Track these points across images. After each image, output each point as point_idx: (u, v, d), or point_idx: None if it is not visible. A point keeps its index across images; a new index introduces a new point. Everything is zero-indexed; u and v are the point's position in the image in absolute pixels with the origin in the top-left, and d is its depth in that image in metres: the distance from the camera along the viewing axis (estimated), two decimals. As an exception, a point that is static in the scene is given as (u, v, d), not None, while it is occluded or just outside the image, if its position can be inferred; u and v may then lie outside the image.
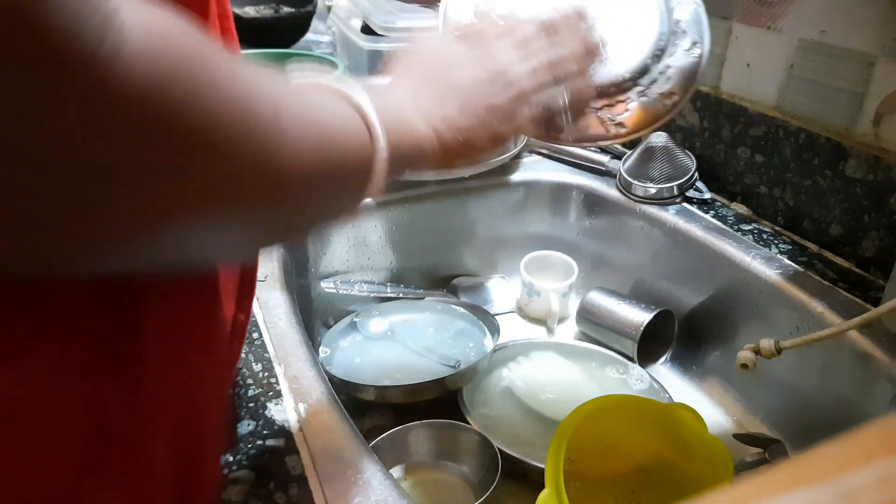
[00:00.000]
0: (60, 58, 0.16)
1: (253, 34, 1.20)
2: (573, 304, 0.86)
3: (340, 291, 0.81)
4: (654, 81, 0.48)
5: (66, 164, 0.18)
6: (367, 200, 0.33)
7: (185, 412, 0.31)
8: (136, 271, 0.25)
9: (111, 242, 0.21)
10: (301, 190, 0.27)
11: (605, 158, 0.91)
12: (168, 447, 0.29)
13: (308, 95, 0.29)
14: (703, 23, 0.50)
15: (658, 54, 0.48)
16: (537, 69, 0.42)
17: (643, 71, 0.48)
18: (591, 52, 0.45)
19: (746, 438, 0.66)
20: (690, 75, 0.48)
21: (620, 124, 0.48)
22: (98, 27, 0.16)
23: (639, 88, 0.48)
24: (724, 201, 0.84)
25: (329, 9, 1.37)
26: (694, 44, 0.49)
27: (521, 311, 0.89)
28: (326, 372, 0.66)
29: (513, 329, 0.86)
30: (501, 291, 0.92)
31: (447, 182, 0.86)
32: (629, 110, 0.48)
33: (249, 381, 0.50)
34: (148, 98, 0.18)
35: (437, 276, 0.92)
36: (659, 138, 0.84)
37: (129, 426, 0.27)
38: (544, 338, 0.84)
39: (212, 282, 0.32)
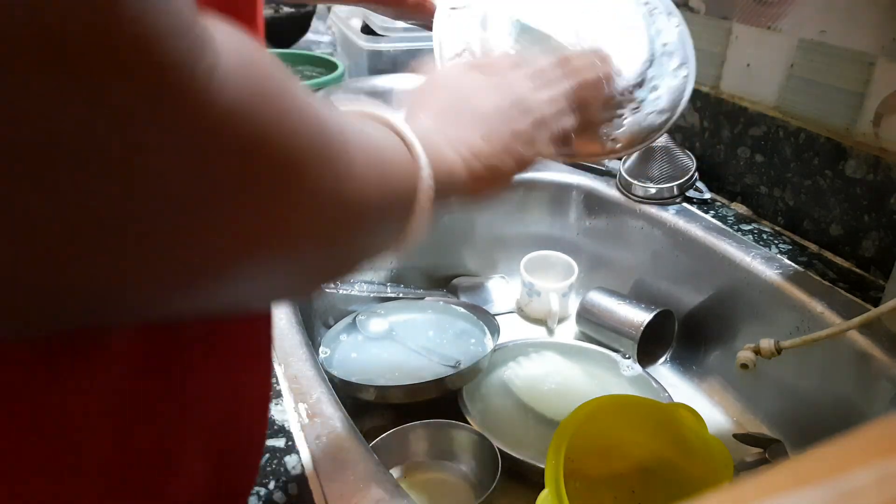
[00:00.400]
0: (160, 74, 0.15)
1: (253, 34, 1.20)
2: (573, 304, 0.86)
3: (340, 291, 0.81)
4: (643, 101, 0.49)
5: (155, 189, 0.16)
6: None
7: (226, 429, 0.31)
8: (191, 314, 0.23)
9: (183, 278, 0.20)
10: (364, 221, 0.26)
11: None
12: (206, 466, 0.30)
13: (360, 122, 0.28)
14: (688, 44, 0.51)
15: (647, 75, 0.49)
16: (554, 97, 0.43)
17: (635, 89, 0.49)
18: (605, 79, 0.46)
19: (746, 438, 0.66)
20: (679, 94, 0.50)
21: (615, 140, 0.49)
22: (194, 45, 0.16)
23: (632, 106, 0.49)
24: (724, 201, 0.84)
25: (329, 9, 1.37)
26: (681, 65, 0.50)
27: (521, 311, 0.89)
28: (326, 372, 0.66)
29: (513, 329, 0.86)
30: (501, 291, 0.92)
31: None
32: (624, 126, 0.49)
33: (249, 381, 0.50)
34: (238, 120, 0.18)
35: (437, 276, 0.92)
36: (659, 138, 0.84)
37: (169, 445, 0.27)
38: (544, 338, 0.84)
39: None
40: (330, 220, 0.23)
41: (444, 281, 0.92)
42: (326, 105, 0.24)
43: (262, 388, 0.35)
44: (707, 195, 0.83)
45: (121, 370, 0.24)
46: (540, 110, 0.42)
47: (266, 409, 0.37)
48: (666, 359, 0.80)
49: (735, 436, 0.66)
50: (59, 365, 0.22)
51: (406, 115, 0.39)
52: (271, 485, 0.41)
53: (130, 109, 0.15)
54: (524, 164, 0.41)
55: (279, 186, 0.20)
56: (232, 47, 0.18)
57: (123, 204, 0.16)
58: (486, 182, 0.39)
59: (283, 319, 0.58)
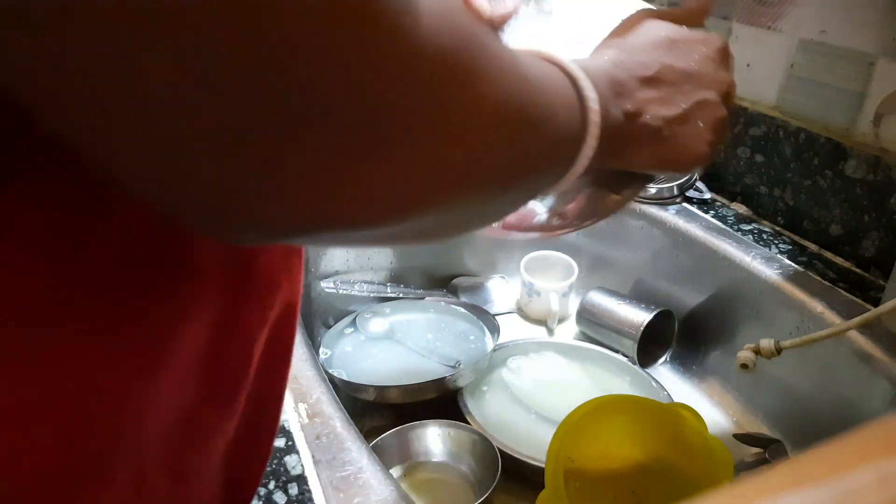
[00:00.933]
0: (374, 24, 0.17)
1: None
2: (573, 304, 0.86)
3: (340, 291, 0.81)
4: None
5: (375, 116, 0.18)
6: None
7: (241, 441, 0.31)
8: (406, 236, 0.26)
9: (398, 203, 0.21)
10: (542, 153, 0.28)
11: (605, 158, 0.91)
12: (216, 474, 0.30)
13: (536, 63, 0.29)
14: None
15: None
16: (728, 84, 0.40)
17: None
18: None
19: (746, 438, 0.66)
20: None
21: None
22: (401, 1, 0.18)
23: None
24: (724, 201, 0.84)
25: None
26: None
27: (521, 311, 0.89)
28: (326, 372, 0.66)
29: (513, 329, 0.86)
30: (501, 291, 0.92)
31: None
32: None
33: (249, 381, 0.50)
34: (440, 60, 0.19)
35: (437, 276, 0.92)
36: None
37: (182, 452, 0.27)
38: (544, 338, 0.84)
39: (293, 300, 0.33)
40: (517, 141, 0.25)
41: (444, 281, 0.92)
42: (508, 49, 0.25)
43: (278, 393, 0.35)
44: (707, 195, 0.83)
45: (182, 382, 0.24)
46: (725, 83, 0.39)
47: (277, 420, 0.37)
48: (666, 359, 0.80)
49: (735, 436, 0.66)
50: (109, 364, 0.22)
51: (592, 55, 0.38)
52: (271, 485, 0.41)
53: (355, 52, 0.17)
54: (693, 143, 0.38)
55: (484, 123, 0.22)
56: (433, 2, 0.19)
57: (351, 126, 0.18)
58: (647, 146, 0.36)
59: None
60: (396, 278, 0.89)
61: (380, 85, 0.18)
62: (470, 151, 0.22)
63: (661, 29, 0.40)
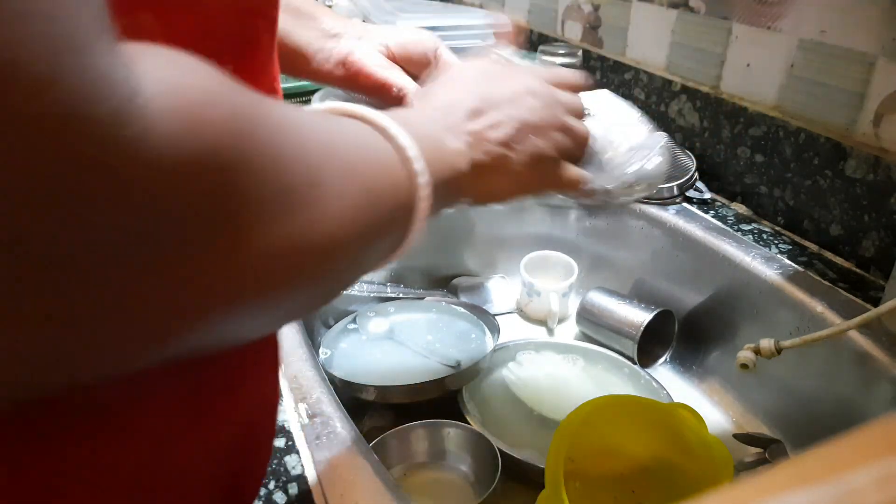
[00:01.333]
0: (79, 151, 0.14)
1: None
2: (573, 304, 0.86)
3: (340, 291, 0.81)
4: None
5: (96, 259, 0.15)
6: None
7: (238, 445, 0.31)
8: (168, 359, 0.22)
9: (145, 339, 0.18)
10: (348, 254, 0.25)
11: (605, 158, 0.91)
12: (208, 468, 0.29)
13: (341, 130, 0.26)
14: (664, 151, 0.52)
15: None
16: (572, 103, 0.42)
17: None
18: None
19: (746, 438, 0.66)
20: (656, 181, 0.50)
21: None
22: (118, 104, 0.14)
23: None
24: (724, 201, 0.84)
25: (329, 9, 1.37)
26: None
27: (521, 311, 0.89)
28: (326, 372, 0.66)
29: (513, 329, 0.86)
30: (501, 291, 0.92)
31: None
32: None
33: (249, 381, 0.50)
34: (184, 179, 0.16)
35: (437, 276, 0.92)
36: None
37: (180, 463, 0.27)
38: (544, 338, 0.84)
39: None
40: (309, 262, 0.22)
41: (444, 281, 0.92)
42: (296, 119, 0.22)
43: (272, 399, 0.35)
44: (707, 195, 0.83)
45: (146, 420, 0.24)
46: (558, 107, 0.40)
47: (274, 420, 0.37)
48: (666, 359, 0.80)
49: (735, 436, 0.66)
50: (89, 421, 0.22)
51: (409, 107, 0.38)
52: (271, 485, 0.41)
53: (56, 191, 0.14)
54: (538, 162, 0.38)
55: (243, 234, 0.18)
56: (168, 89, 0.16)
57: (82, 271, 0.15)
58: (495, 175, 0.36)
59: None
60: (396, 278, 0.89)
61: (111, 212, 0.15)
62: (247, 262, 0.19)
63: (472, 66, 0.42)
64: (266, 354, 0.33)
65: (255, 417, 0.33)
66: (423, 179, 0.28)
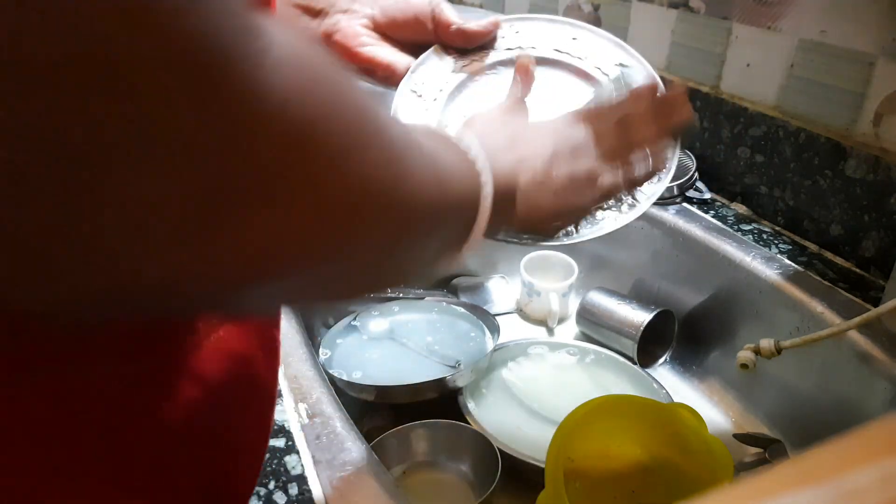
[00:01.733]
0: (203, 63, 0.15)
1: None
2: (573, 304, 0.86)
3: (340, 291, 0.81)
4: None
5: (198, 177, 0.16)
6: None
7: (218, 425, 0.31)
8: (243, 310, 0.23)
9: (227, 276, 0.19)
10: (420, 226, 0.26)
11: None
12: (193, 457, 0.29)
13: (418, 132, 0.28)
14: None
15: None
16: (613, 162, 0.42)
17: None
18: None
19: (746, 438, 0.66)
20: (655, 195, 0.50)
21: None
22: (243, 32, 0.16)
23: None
24: (724, 201, 0.84)
25: (329, 9, 1.37)
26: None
27: (521, 311, 0.89)
28: (326, 372, 0.66)
29: (513, 329, 0.86)
30: (501, 291, 0.92)
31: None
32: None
33: (249, 381, 0.50)
34: (289, 113, 0.17)
35: (436, 277, 0.92)
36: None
37: (157, 434, 0.27)
38: (544, 338, 0.84)
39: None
40: (383, 220, 0.22)
41: (444, 281, 0.92)
42: (382, 108, 0.23)
43: (269, 392, 0.35)
44: (707, 195, 0.83)
45: (112, 375, 0.24)
46: (596, 165, 0.41)
47: (270, 416, 0.36)
48: (666, 359, 0.80)
49: (735, 436, 0.66)
50: (71, 362, 0.22)
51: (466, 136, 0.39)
52: (271, 485, 0.41)
53: (177, 101, 0.15)
54: (575, 208, 0.40)
55: (331, 179, 0.19)
56: (284, 38, 0.17)
57: (172, 192, 0.16)
58: (539, 212, 0.38)
59: (282, 319, 0.58)
60: (396, 278, 0.89)
61: (218, 150, 0.16)
62: (335, 224, 0.20)
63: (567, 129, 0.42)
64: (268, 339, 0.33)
65: (245, 405, 0.33)
66: (488, 186, 0.31)
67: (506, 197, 0.35)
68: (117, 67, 0.14)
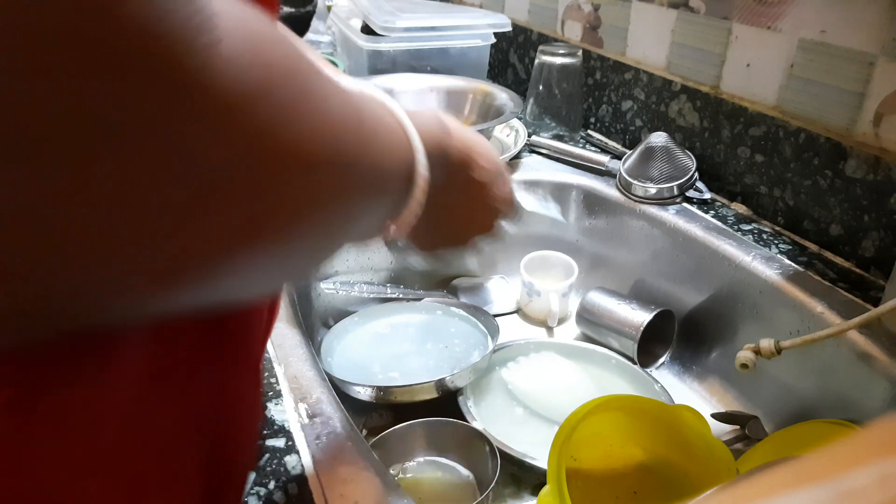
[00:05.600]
0: (150, 60, 0.15)
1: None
2: (573, 304, 0.86)
3: (340, 292, 0.81)
4: None
5: (150, 177, 0.16)
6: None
7: (219, 418, 0.31)
8: (181, 312, 0.22)
9: (177, 274, 0.19)
10: (365, 191, 0.27)
11: (605, 158, 0.91)
12: (199, 453, 0.29)
13: (364, 99, 0.28)
14: None
15: None
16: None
17: None
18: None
19: (724, 417, 0.68)
20: None
21: None
22: (193, 29, 0.15)
23: None
24: (724, 201, 0.84)
25: (329, 9, 1.37)
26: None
27: (521, 311, 0.89)
28: (326, 372, 0.66)
29: (513, 329, 0.86)
30: (501, 291, 0.92)
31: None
32: None
33: (249, 381, 0.50)
34: (242, 107, 0.17)
35: (436, 277, 0.92)
36: (659, 138, 0.84)
37: (166, 434, 0.27)
38: (544, 338, 0.84)
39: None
40: (337, 201, 0.23)
41: (443, 281, 0.92)
42: (335, 81, 0.23)
43: (255, 383, 0.35)
44: (707, 195, 0.83)
45: (134, 372, 0.24)
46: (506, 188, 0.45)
47: (259, 405, 0.37)
48: (666, 359, 0.80)
49: (713, 415, 0.68)
50: (79, 366, 0.22)
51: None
52: (271, 485, 0.41)
53: (123, 100, 0.14)
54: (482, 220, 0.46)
55: (291, 172, 0.20)
56: (240, 30, 0.17)
57: (120, 193, 0.15)
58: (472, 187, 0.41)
59: (282, 320, 0.58)
60: (396, 279, 0.89)
61: (168, 124, 0.16)
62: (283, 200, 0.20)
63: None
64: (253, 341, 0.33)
65: (237, 395, 0.33)
66: (421, 155, 0.32)
67: (439, 153, 0.37)
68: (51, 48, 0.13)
